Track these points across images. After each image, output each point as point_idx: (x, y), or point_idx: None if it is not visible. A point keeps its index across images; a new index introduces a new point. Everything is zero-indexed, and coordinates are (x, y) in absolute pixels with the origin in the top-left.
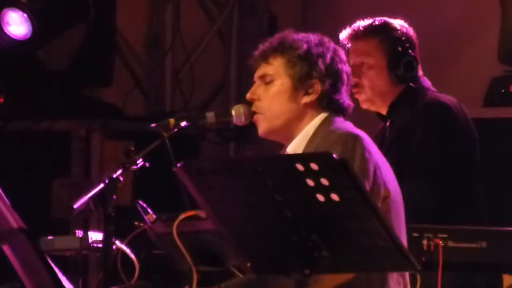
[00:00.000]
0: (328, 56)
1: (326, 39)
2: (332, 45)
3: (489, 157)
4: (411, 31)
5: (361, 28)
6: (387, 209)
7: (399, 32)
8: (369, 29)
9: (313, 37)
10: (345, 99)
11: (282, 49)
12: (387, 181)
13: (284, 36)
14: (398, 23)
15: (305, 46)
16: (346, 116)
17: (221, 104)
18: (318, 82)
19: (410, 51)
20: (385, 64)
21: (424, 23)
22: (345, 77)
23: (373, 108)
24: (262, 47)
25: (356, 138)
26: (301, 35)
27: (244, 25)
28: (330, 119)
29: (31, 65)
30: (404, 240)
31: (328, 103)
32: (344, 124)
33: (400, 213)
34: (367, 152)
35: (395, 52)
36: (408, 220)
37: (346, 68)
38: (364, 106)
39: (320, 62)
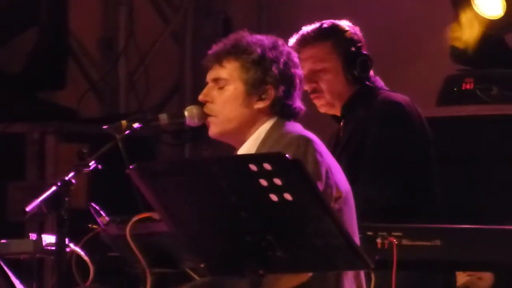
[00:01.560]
0: (282, 60)
1: (280, 42)
2: (286, 48)
3: (443, 156)
4: (359, 31)
5: (311, 34)
6: (339, 209)
7: (349, 32)
8: (319, 33)
9: (267, 41)
10: (297, 103)
11: (236, 52)
12: (338, 182)
13: (238, 38)
14: (346, 24)
15: (259, 50)
16: (297, 120)
17: (177, 106)
18: (272, 87)
19: (363, 51)
20: (340, 66)
21: (377, 23)
22: (297, 81)
23: (332, 111)
24: (216, 48)
25: (308, 141)
26: (255, 38)
27: (199, 27)
28: (281, 122)
29: None
30: (356, 239)
31: (281, 109)
32: (295, 127)
33: (352, 213)
34: (318, 155)
35: (349, 53)
36: (364, 219)
37: (299, 72)
38: (323, 110)
39: (274, 67)
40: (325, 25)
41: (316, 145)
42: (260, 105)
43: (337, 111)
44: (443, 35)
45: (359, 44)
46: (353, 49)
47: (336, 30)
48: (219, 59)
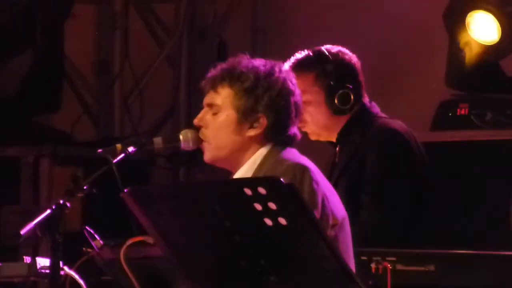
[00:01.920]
0: (276, 89)
1: (277, 68)
2: (282, 75)
3: (437, 180)
4: (347, 57)
5: (296, 64)
6: (335, 236)
7: (331, 64)
8: (304, 63)
9: (264, 67)
10: (292, 130)
11: (230, 79)
12: (335, 209)
13: (234, 65)
14: (335, 50)
15: (252, 78)
16: (293, 145)
17: (171, 129)
18: (264, 116)
19: (347, 81)
20: (322, 98)
21: (372, 48)
22: (292, 108)
23: (322, 139)
24: (213, 72)
25: (304, 169)
26: (252, 64)
27: (193, 51)
28: (276, 149)
29: None
30: (352, 265)
31: (274, 136)
32: (290, 154)
33: (347, 239)
34: (314, 183)
35: (328, 86)
36: (363, 244)
37: (295, 98)
38: (313, 138)
39: (266, 96)
40: (310, 54)
41: (312, 173)
42: (251, 133)
43: (327, 139)
44: (437, 60)
45: (344, 75)
46: (332, 82)
47: (320, 61)
48: (213, 84)
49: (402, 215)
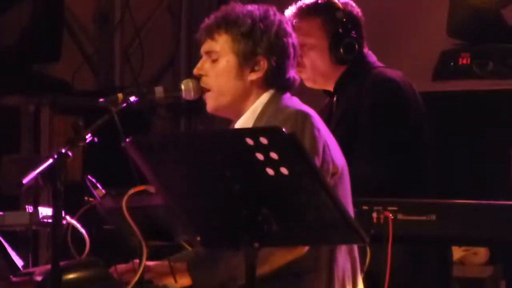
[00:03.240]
0: (273, 30)
1: (271, 11)
2: (277, 17)
3: (439, 131)
4: (355, 10)
5: (304, 7)
6: (335, 184)
7: (341, 12)
8: (312, 8)
9: (258, 11)
10: (292, 73)
11: (226, 25)
12: (335, 157)
13: (228, 11)
14: (342, 1)
15: (249, 21)
16: (293, 91)
17: (171, 79)
18: (264, 58)
19: (353, 31)
20: (326, 45)
21: None
22: (291, 50)
23: (316, 86)
24: (207, 21)
25: (306, 116)
26: (246, 9)
27: (194, 1)
28: (277, 96)
29: None
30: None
31: (275, 80)
32: (292, 101)
33: (347, 188)
34: (316, 130)
35: (336, 33)
36: (359, 195)
37: (292, 40)
38: (308, 84)
39: (264, 38)
40: (319, 1)
41: (314, 120)
42: (253, 76)
43: (321, 87)
44: (439, 9)
45: (350, 25)
46: (341, 30)
47: (329, 7)
48: (210, 32)
49: (394, 165)
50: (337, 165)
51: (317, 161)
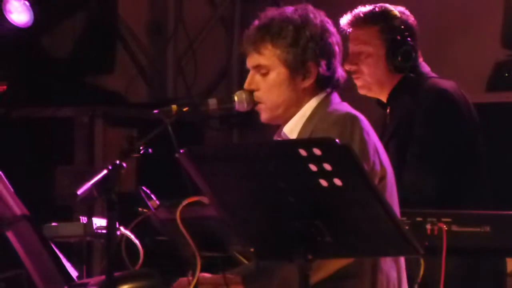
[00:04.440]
0: (318, 34)
1: (311, 14)
2: (318, 19)
3: (493, 142)
4: (411, 19)
5: (361, 15)
6: (383, 189)
7: (398, 20)
8: (369, 16)
9: (298, 15)
10: (339, 72)
11: (271, 38)
12: (383, 161)
13: (268, 21)
14: (398, 10)
15: (293, 31)
16: (340, 88)
17: (224, 91)
18: (313, 64)
19: (409, 39)
20: (383, 53)
21: (428, 7)
22: (336, 49)
23: (370, 94)
24: (249, 33)
25: (354, 118)
26: (285, 16)
27: (246, 11)
28: (327, 99)
29: (34, 52)
30: None
31: (326, 83)
32: (341, 106)
33: (394, 194)
34: (365, 133)
35: (393, 41)
36: (413, 205)
37: (335, 39)
38: (362, 92)
39: (311, 44)
40: (377, 9)
41: (362, 123)
42: (305, 84)
43: (376, 95)
44: (494, 20)
45: (407, 33)
46: (398, 37)
47: (385, 16)
48: (255, 46)
49: (448, 177)
50: (386, 169)
51: (367, 165)
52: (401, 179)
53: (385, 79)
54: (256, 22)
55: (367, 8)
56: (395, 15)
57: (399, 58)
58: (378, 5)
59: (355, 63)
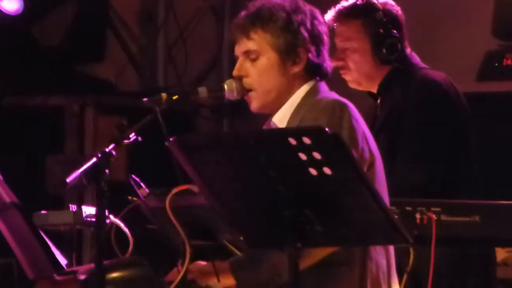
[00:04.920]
0: (308, 21)
1: (300, 2)
2: (308, 8)
3: (483, 132)
4: (395, 9)
5: (343, 10)
6: (372, 176)
7: (381, 12)
8: (351, 11)
9: (288, 3)
10: (327, 61)
11: (262, 22)
12: (372, 148)
13: (259, 7)
14: (381, 1)
15: (284, 15)
16: (327, 78)
17: (215, 80)
18: (303, 50)
19: (394, 31)
20: (368, 47)
21: None
22: (325, 38)
23: (361, 88)
24: (238, 20)
25: (343, 106)
26: (276, 3)
27: (238, 1)
28: (315, 88)
29: (24, 40)
30: None
31: (315, 70)
32: (329, 94)
33: (382, 181)
34: (354, 120)
35: (377, 34)
36: (404, 195)
37: (324, 28)
38: (352, 86)
39: (302, 29)
40: (358, 2)
41: (351, 110)
42: (295, 69)
43: (366, 88)
44: (485, 10)
45: (391, 25)
46: (381, 30)
47: (367, 9)
48: (245, 31)
49: (438, 168)
50: (374, 156)
51: (356, 152)
52: (392, 169)
53: (373, 72)
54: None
55: (350, 1)
56: (377, 7)
57: (384, 51)
58: None
59: (342, 59)
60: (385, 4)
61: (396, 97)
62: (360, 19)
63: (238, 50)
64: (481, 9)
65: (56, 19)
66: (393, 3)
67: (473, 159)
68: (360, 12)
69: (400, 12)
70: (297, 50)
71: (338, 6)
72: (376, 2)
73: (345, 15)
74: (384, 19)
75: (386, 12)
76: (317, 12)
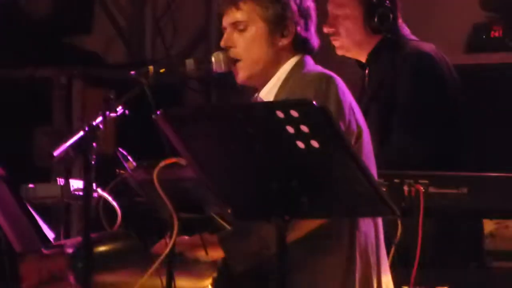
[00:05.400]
0: None
1: None
2: None
3: (471, 103)
4: None
5: None
6: (359, 149)
7: None
8: None
9: None
10: (314, 37)
11: None
12: (359, 120)
13: None
14: None
15: None
16: (314, 53)
17: (203, 52)
18: (292, 23)
19: (387, 1)
20: (360, 14)
21: None
22: (312, 13)
23: (349, 55)
24: None
25: (329, 78)
26: None
27: None
28: (301, 62)
29: (11, 12)
30: None
31: (303, 44)
32: (315, 67)
33: (370, 154)
34: (341, 92)
35: (369, 3)
36: (399, 168)
37: (312, 4)
38: (340, 52)
39: (291, 2)
40: None
41: (337, 82)
42: (284, 42)
43: (354, 56)
44: None
45: None
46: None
47: None
48: (235, 2)
49: (432, 138)
50: (362, 128)
51: (342, 125)
52: (386, 142)
53: (363, 40)
54: None
55: None
56: None
57: (376, 20)
58: None
59: (334, 25)
60: None
61: (386, 68)
62: None
63: (226, 21)
64: None
65: None
66: None
67: (463, 130)
68: None
69: None
70: (286, 22)
71: None
72: None
73: None
74: None
75: None
76: None
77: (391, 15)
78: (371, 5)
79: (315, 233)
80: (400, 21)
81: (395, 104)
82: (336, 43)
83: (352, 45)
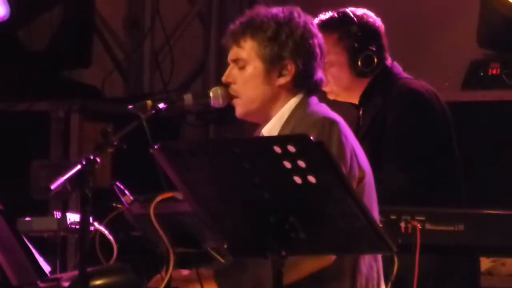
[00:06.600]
0: (298, 33)
1: (296, 13)
2: (302, 19)
3: (468, 140)
4: (371, 20)
5: (320, 24)
6: (361, 192)
7: (356, 26)
8: (328, 24)
9: (283, 13)
10: (319, 75)
11: (252, 31)
12: (362, 164)
13: (252, 16)
14: (359, 13)
15: (273, 26)
16: (320, 92)
17: (201, 87)
18: (291, 62)
19: (371, 43)
20: (345, 60)
21: (402, 6)
22: (317, 51)
23: (340, 99)
24: (232, 27)
25: (333, 123)
26: (270, 13)
27: (224, 7)
28: (305, 101)
29: (10, 45)
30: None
31: (303, 83)
32: (319, 107)
33: (373, 196)
34: (343, 137)
35: (353, 48)
36: (386, 205)
37: (318, 41)
38: (331, 97)
39: (290, 41)
40: (335, 15)
41: (341, 127)
42: (281, 81)
43: (346, 100)
44: (469, 19)
45: (367, 38)
46: (356, 44)
47: (343, 22)
48: (236, 39)
49: (421, 175)
50: (364, 171)
51: (344, 169)
52: (375, 177)
53: (352, 85)
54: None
55: (327, 15)
56: (353, 21)
57: (360, 64)
58: (338, 10)
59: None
60: (361, 17)
61: (377, 107)
62: (336, 32)
63: (229, 56)
64: (466, 18)
65: (42, 24)
66: (372, 14)
67: (457, 167)
68: (336, 26)
69: (378, 23)
70: (283, 61)
71: (316, 20)
72: (352, 15)
73: (322, 28)
74: (360, 33)
75: (363, 25)
76: (313, 25)
77: (375, 59)
78: (354, 50)
79: (317, 277)
80: (388, 61)
81: (387, 142)
82: (326, 89)
83: (341, 90)
